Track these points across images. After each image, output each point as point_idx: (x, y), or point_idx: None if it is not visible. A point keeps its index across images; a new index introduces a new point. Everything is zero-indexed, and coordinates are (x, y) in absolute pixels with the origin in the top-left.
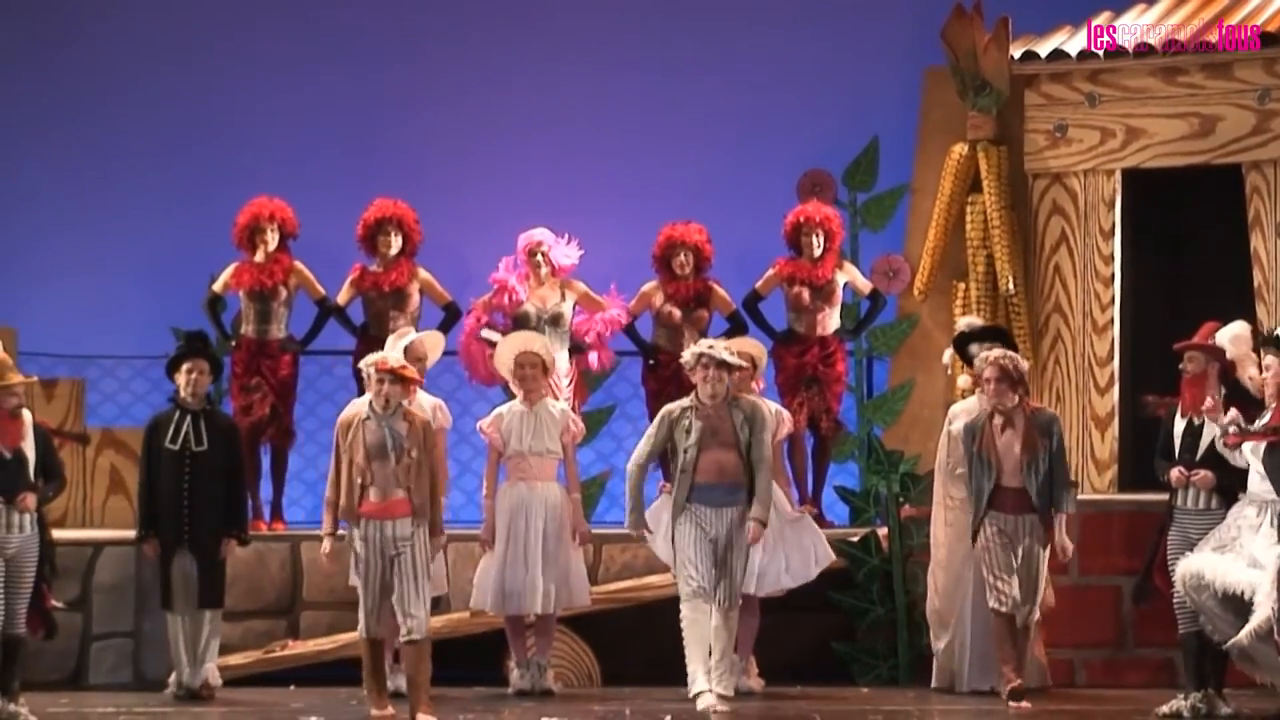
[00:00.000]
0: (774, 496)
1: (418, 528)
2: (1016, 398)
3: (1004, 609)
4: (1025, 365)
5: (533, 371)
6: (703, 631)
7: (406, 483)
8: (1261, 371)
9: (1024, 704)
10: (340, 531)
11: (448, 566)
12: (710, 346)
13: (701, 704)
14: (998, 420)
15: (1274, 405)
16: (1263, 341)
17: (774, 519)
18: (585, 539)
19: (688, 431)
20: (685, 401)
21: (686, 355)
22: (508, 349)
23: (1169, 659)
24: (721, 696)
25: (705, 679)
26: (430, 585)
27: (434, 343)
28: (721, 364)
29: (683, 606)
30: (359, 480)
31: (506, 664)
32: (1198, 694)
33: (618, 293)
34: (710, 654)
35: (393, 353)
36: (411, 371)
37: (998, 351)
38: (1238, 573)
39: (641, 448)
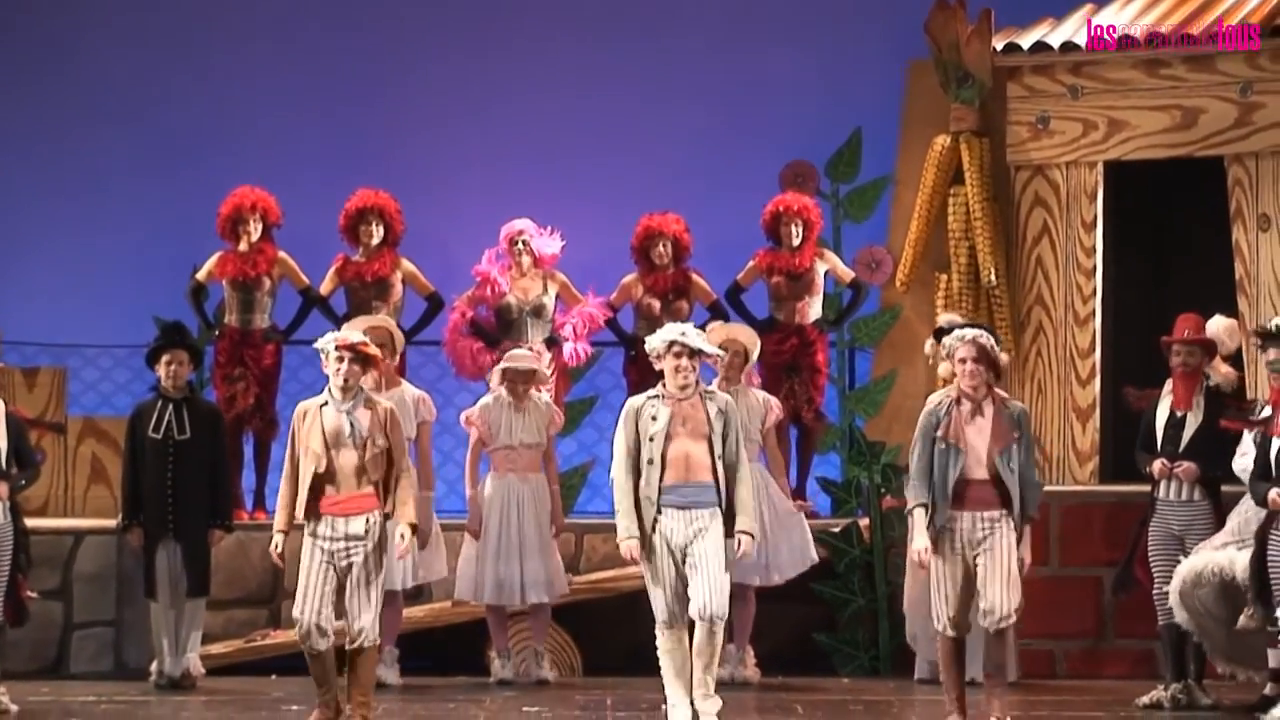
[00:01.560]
0: (769, 485)
1: (375, 526)
2: (988, 385)
3: (950, 633)
4: (1005, 358)
5: (524, 388)
6: (679, 661)
7: (373, 477)
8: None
9: None
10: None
11: (445, 552)
12: (682, 333)
13: None
14: (965, 407)
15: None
16: (1265, 335)
17: (769, 510)
18: (560, 529)
19: (653, 418)
20: (651, 391)
21: (654, 340)
22: (506, 368)
23: (1149, 650)
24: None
25: (687, 711)
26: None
27: (396, 332)
28: (695, 353)
29: (657, 634)
30: (315, 469)
31: (488, 653)
32: (1177, 684)
33: (595, 295)
34: (690, 682)
35: (352, 332)
36: (373, 349)
37: (975, 330)
38: None
39: (617, 454)
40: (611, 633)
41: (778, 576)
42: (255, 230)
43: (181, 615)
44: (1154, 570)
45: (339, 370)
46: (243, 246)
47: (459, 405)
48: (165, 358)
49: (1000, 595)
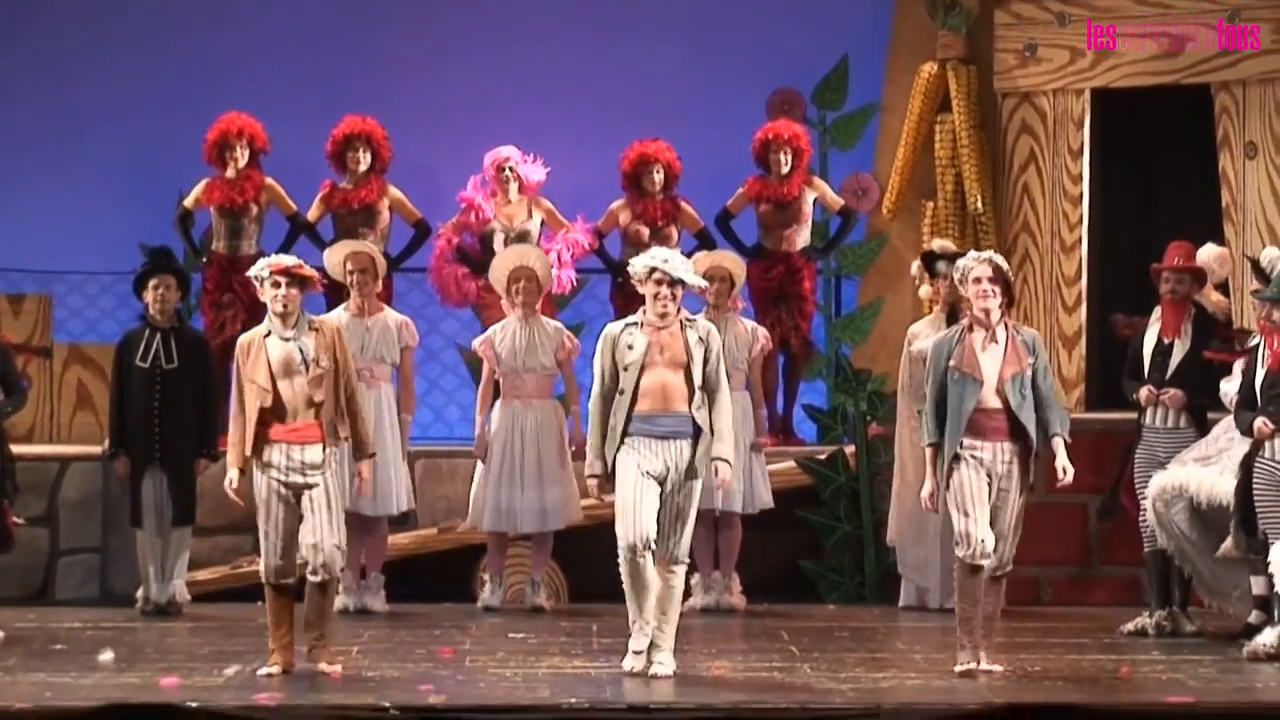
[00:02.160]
0: (748, 416)
1: (332, 454)
2: (1002, 309)
3: (975, 560)
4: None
5: (529, 285)
6: (641, 586)
7: (317, 398)
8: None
9: (972, 665)
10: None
11: (413, 483)
12: (665, 260)
13: (627, 664)
14: (977, 334)
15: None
16: (1256, 269)
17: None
18: (581, 451)
19: (630, 347)
20: (629, 318)
21: (637, 264)
22: (503, 263)
23: (1134, 577)
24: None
25: (642, 637)
26: (382, 504)
27: (378, 257)
28: (676, 283)
29: (620, 558)
30: (261, 404)
31: (479, 577)
32: (1162, 611)
33: (585, 222)
34: (653, 612)
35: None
36: (308, 270)
37: (985, 252)
38: (1225, 484)
39: (595, 384)
40: (597, 560)
41: (756, 506)
42: (242, 156)
43: (167, 543)
44: (1140, 498)
45: (276, 296)
46: (230, 173)
47: (445, 332)
48: (153, 282)
49: (1005, 544)
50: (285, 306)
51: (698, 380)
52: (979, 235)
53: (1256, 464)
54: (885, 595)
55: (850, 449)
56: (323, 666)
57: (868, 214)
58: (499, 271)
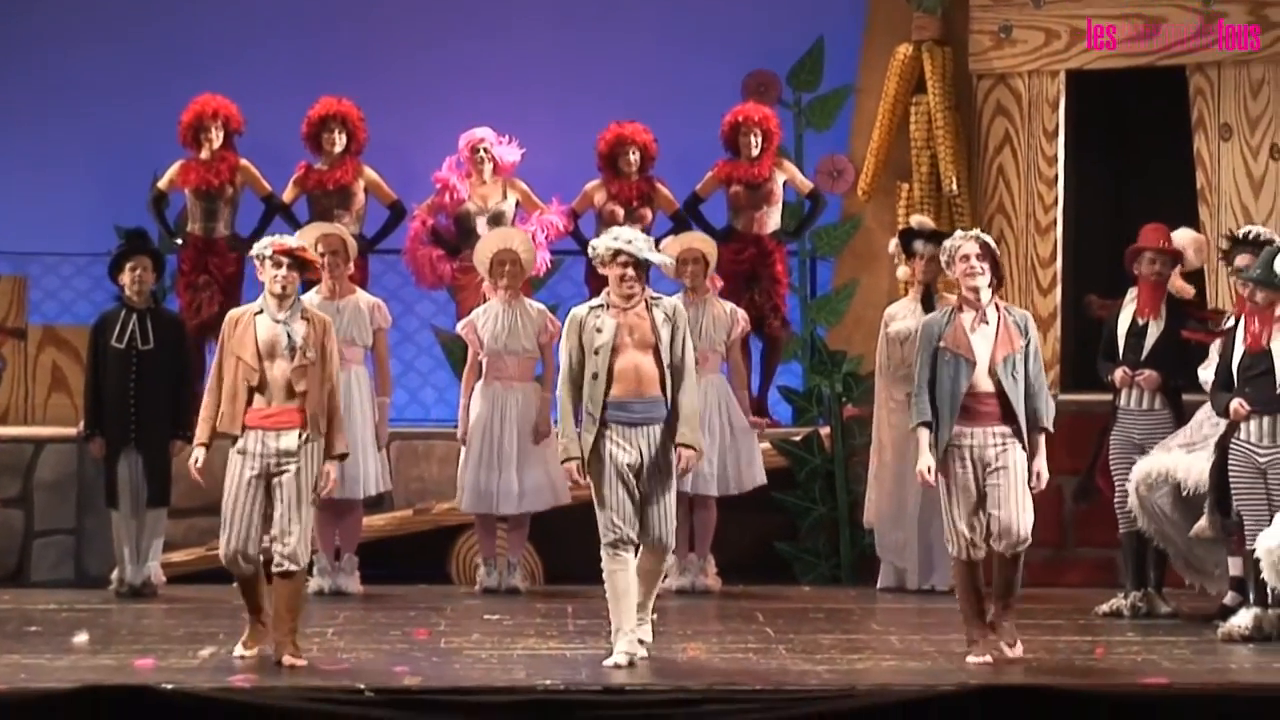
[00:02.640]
0: (730, 398)
1: (307, 443)
2: (991, 288)
3: (966, 558)
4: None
5: (514, 269)
6: (623, 584)
7: (299, 388)
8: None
9: (986, 659)
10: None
11: (390, 464)
12: (629, 241)
13: (611, 660)
14: (967, 315)
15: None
16: (1234, 242)
17: (726, 422)
18: (543, 436)
19: (598, 330)
20: (594, 300)
21: (600, 244)
22: (486, 247)
23: (1109, 558)
24: (640, 643)
25: (627, 640)
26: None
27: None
28: (642, 264)
29: (602, 555)
30: (247, 383)
31: (457, 559)
32: (1137, 593)
33: (560, 203)
34: (634, 607)
35: (289, 237)
36: (312, 254)
37: (972, 231)
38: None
39: (562, 369)
40: (572, 541)
41: (735, 488)
42: (217, 138)
43: (142, 524)
44: (1115, 479)
45: (276, 277)
46: (204, 154)
47: (420, 314)
48: (129, 264)
49: (1015, 517)
50: (284, 288)
51: (665, 360)
52: (954, 217)
53: (1231, 445)
54: (861, 577)
55: (826, 431)
56: (286, 659)
57: (843, 196)
58: (483, 254)
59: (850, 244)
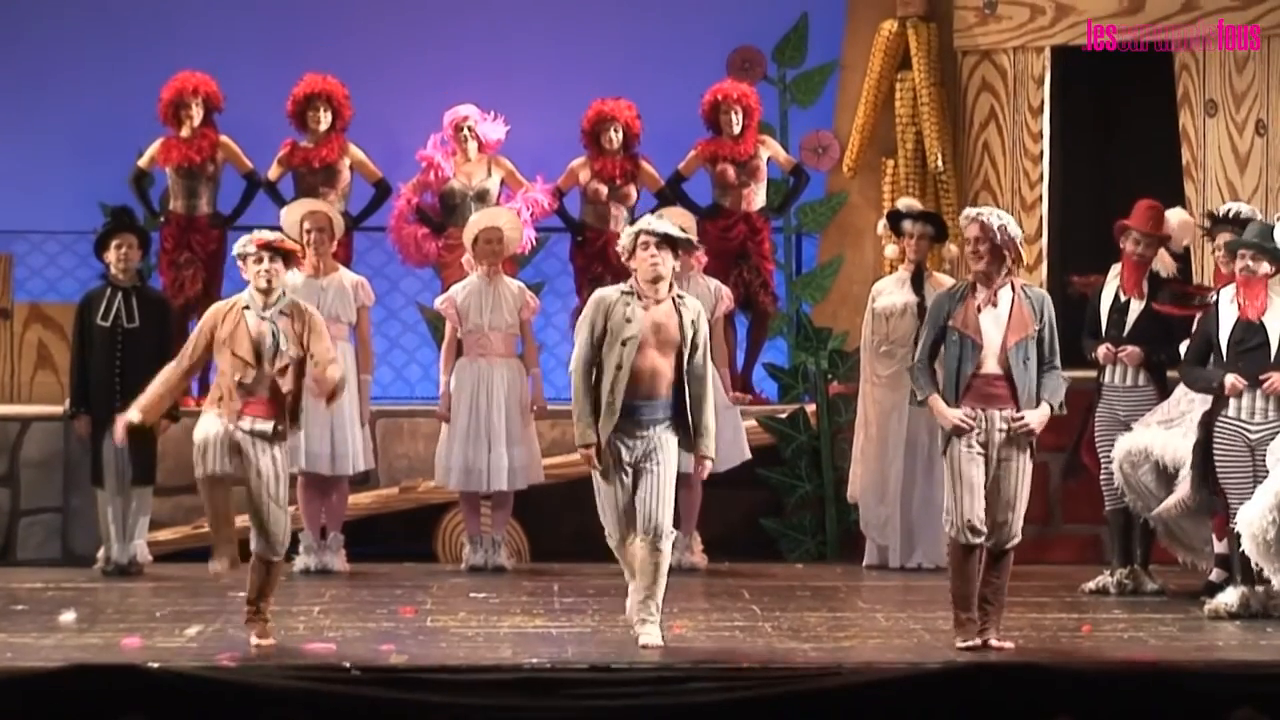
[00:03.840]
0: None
1: (277, 436)
2: (1004, 268)
3: (965, 540)
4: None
5: (498, 247)
6: (633, 566)
7: (286, 389)
8: (1213, 252)
9: (975, 643)
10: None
11: (375, 442)
12: (649, 223)
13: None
14: (980, 294)
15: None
16: (1216, 220)
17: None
18: (543, 412)
19: (628, 320)
20: (624, 285)
21: (624, 238)
22: (474, 224)
23: (1096, 535)
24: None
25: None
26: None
27: (335, 216)
28: (665, 239)
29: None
30: (241, 379)
31: (443, 537)
32: (1124, 570)
33: (544, 181)
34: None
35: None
36: (291, 244)
37: (985, 209)
38: (1188, 446)
39: (580, 349)
40: (558, 519)
41: (719, 465)
42: (197, 115)
43: (128, 503)
44: (1101, 456)
45: (260, 272)
46: (185, 132)
47: (405, 291)
48: (115, 242)
49: (1013, 515)
50: (269, 282)
51: (685, 365)
52: (940, 193)
53: (1219, 421)
54: (846, 554)
55: (811, 407)
56: (254, 639)
57: (827, 172)
58: (470, 231)
59: (835, 220)
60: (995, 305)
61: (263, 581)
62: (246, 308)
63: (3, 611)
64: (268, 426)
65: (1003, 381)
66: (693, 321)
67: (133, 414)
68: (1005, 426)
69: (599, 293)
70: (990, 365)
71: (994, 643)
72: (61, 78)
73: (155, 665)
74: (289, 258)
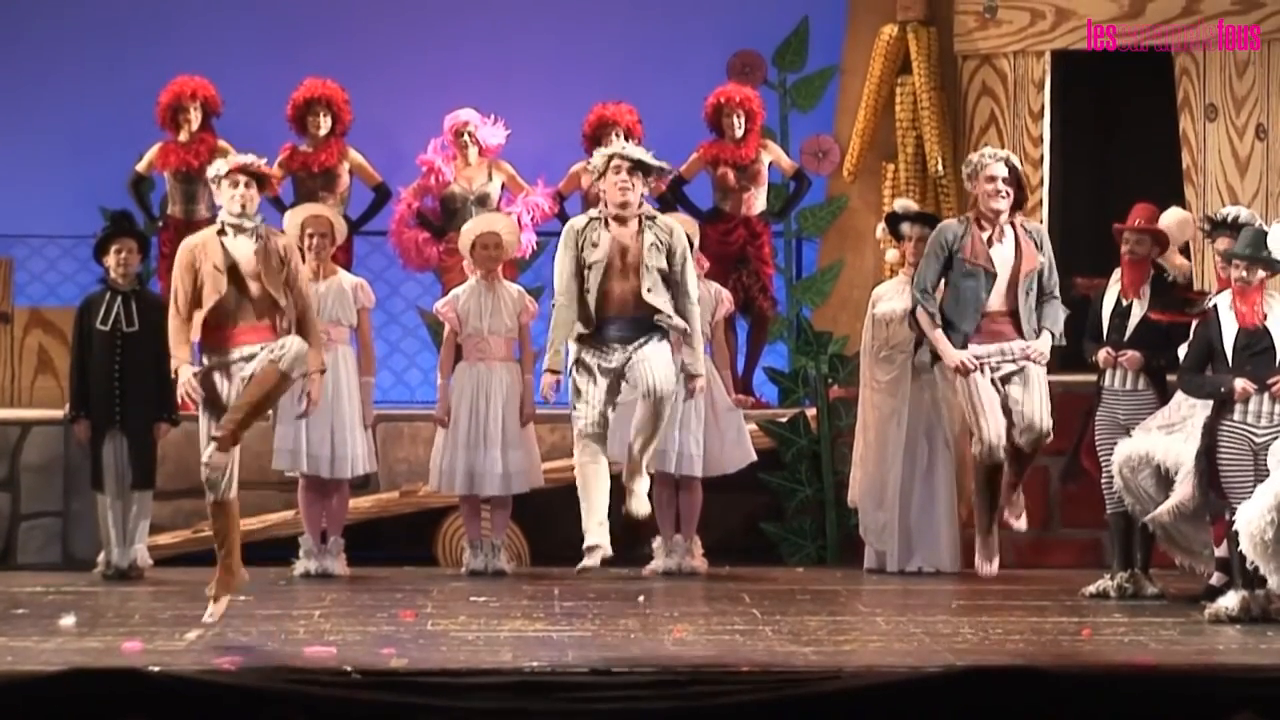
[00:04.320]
0: (714, 379)
1: (273, 347)
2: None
3: (990, 460)
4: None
5: (495, 252)
6: (595, 479)
7: (267, 308)
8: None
9: (994, 570)
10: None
11: (375, 446)
12: (622, 147)
13: (590, 560)
14: (984, 230)
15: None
16: (1214, 225)
17: (710, 403)
18: (529, 418)
19: (594, 245)
20: (592, 211)
21: (596, 158)
22: (470, 229)
23: (1096, 539)
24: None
25: (599, 531)
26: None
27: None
28: (636, 165)
29: (575, 446)
30: (219, 295)
31: (460, 543)
32: (1124, 574)
33: (545, 184)
34: (603, 505)
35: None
36: (267, 168)
37: (1003, 151)
38: (1190, 451)
39: (559, 280)
40: (558, 523)
41: (720, 469)
42: (195, 119)
43: (128, 507)
44: (1101, 460)
45: (235, 196)
46: (183, 136)
47: (406, 295)
48: (115, 246)
49: (1037, 410)
50: (243, 206)
51: (656, 281)
52: (940, 197)
53: (1223, 426)
54: (847, 557)
55: (811, 411)
56: (209, 607)
57: (828, 176)
58: (466, 237)
59: (835, 224)
60: (1002, 241)
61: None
62: (221, 233)
63: (3, 615)
64: (256, 349)
65: (1006, 317)
66: (661, 240)
67: (185, 372)
68: (1014, 357)
69: (571, 222)
70: (997, 301)
71: (1014, 523)
72: (61, 81)
73: (156, 669)
74: (264, 183)
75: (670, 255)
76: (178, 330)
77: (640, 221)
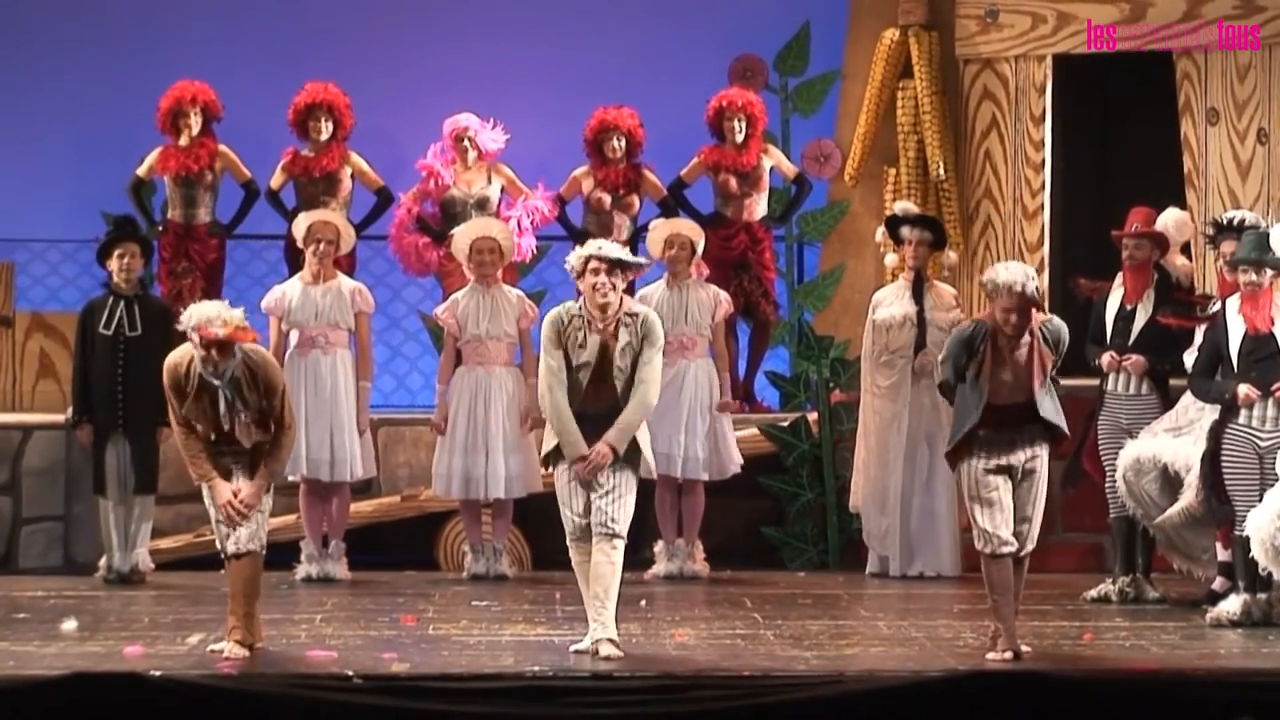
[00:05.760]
0: (713, 382)
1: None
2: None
3: (995, 552)
4: (953, 256)
5: (491, 257)
6: (588, 575)
7: (246, 445)
8: (1216, 260)
9: (1007, 656)
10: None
11: (377, 450)
12: (600, 247)
13: (603, 650)
14: (1004, 340)
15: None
16: (1220, 229)
17: (710, 407)
18: (535, 424)
19: (581, 346)
20: (574, 307)
21: (571, 259)
22: (465, 234)
23: (1098, 543)
24: (609, 642)
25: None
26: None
27: (345, 229)
28: (616, 265)
29: (569, 547)
30: (208, 435)
31: (446, 545)
32: (1126, 578)
33: (546, 188)
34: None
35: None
36: (236, 333)
37: (1016, 271)
38: (1199, 454)
39: (546, 372)
40: (560, 527)
41: (727, 470)
42: (195, 124)
43: (130, 511)
44: (1104, 463)
45: (204, 358)
46: (183, 141)
47: (407, 300)
48: (117, 251)
49: (1030, 527)
50: (216, 368)
51: (627, 381)
52: (941, 202)
53: (1229, 430)
54: (848, 562)
55: (813, 416)
56: (224, 646)
57: (829, 180)
58: (461, 242)
59: (837, 229)
60: (1017, 349)
61: (239, 582)
62: (201, 369)
63: (5, 620)
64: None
65: (1023, 408)
66: (631, 339)
67: (221, 488)
68: (1030, 450)
69: (553, 314)
70: (1009, 398)
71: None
72: (63, 86)
73: (157, 673)
74: (226, 348)
75: (641, 347)
76: (186, 445)
77: (619, 323)
